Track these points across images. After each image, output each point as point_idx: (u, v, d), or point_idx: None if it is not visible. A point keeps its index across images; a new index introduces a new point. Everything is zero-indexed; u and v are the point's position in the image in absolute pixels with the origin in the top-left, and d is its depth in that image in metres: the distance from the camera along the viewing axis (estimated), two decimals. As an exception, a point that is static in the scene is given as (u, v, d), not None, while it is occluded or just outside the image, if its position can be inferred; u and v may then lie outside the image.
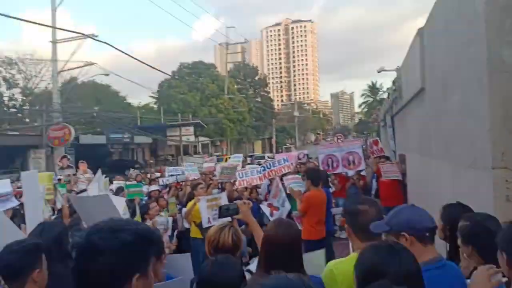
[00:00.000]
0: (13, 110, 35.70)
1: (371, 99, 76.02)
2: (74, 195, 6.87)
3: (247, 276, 2.39)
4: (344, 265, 2.16)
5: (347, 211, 2.48)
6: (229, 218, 3.29)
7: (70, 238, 2.93)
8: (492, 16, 2.71)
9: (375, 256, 1.70)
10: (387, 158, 8.99)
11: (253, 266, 2.73)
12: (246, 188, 8.76)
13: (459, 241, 2.31)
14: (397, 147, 11.05)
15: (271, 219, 6.75)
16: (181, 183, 10.63)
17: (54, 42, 21.18)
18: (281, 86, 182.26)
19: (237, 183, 8.65)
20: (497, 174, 2.74)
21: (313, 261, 2.85)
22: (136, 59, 22.52)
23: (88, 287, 1.27)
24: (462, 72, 3.36)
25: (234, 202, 3.68)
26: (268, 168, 8.77)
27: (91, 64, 23.00)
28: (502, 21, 2.69)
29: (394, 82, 9.25)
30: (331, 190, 8.67)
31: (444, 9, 4.04)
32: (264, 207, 7.28)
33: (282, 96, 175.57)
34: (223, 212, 3.24)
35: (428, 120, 5.39)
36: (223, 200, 6.30)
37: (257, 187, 9.05)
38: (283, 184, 7.57)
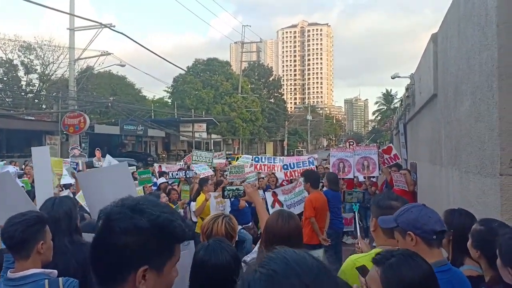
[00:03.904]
0: (30, 95, 36.22)
1: (385, 107, 75.67)
2: (83, 172, 6.88)
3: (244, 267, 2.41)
4: (365, 259, 2.14)
5: (379, 205, 2.43)
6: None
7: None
8: (504, 21, 2.71)
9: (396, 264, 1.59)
10: (399, 167, 8.84)
11: (248, 257, 2.76)
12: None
13: (468, 243, 2.29)
14: (408, 155, 10.97)
15: (271, 210, 6.64)
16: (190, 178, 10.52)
17: (71, 29, 21.26)
18: (295, 89, 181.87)
19: (257, 166, 8.14)
20: (505, 180, 2.71)
21: None
22: (152, 51, 22.77)
23: (98, 264, 1.18)
24: (473, 77, 3.36)
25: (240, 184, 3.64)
26: (291, 168, 7.96)
27: (108, 54, 23.09)
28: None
29: (407, 89, 9.17)
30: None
31: (457, 14, 4.03)
32: (268, 195, 6.99)
33: (295, 99, 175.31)
34: (227, 193, 3.19)
35: (439, 127, 5.35)
36: None
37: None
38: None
